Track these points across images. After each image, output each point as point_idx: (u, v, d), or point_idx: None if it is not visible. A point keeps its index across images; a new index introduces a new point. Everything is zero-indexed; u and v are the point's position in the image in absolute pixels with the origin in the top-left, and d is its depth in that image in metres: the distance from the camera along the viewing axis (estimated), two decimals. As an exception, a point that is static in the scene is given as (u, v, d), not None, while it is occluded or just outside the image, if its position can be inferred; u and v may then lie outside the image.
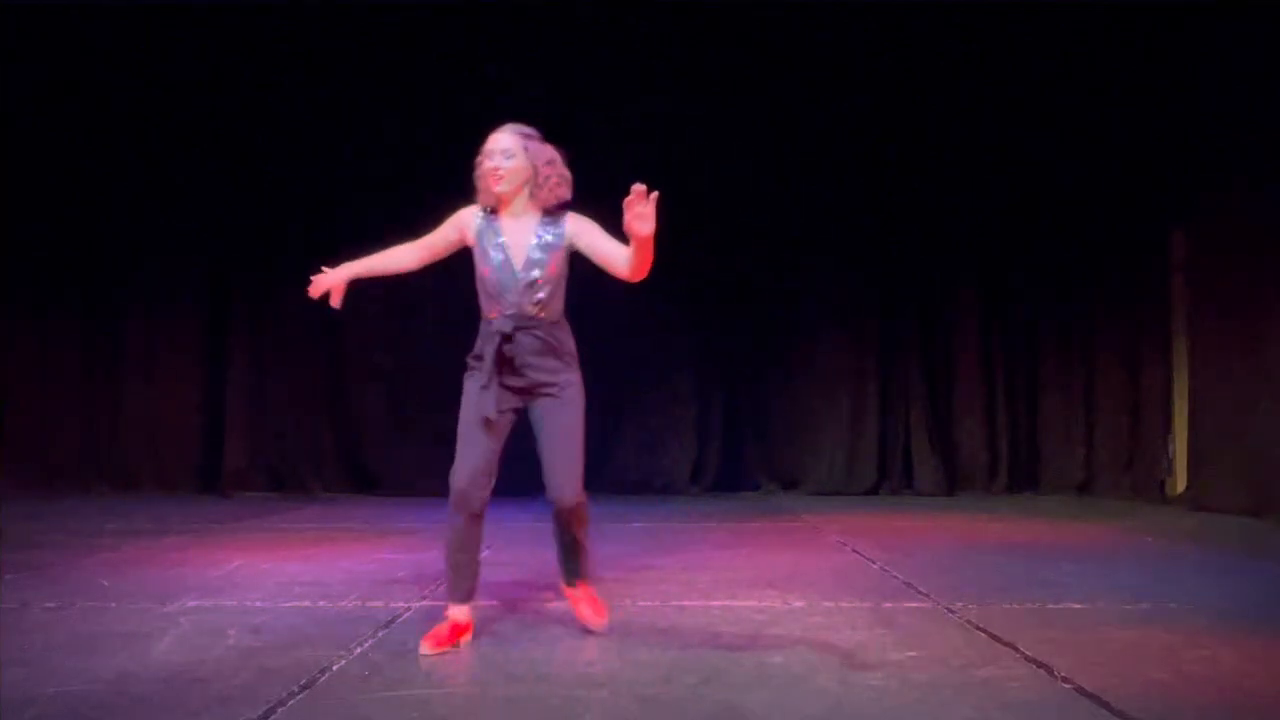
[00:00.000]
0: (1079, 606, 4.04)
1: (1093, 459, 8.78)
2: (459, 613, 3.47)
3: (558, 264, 3.46)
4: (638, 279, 3.34)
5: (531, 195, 3.46)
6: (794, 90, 8.64)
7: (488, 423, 3.40)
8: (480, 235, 3.48)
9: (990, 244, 9.02)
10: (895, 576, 4.73)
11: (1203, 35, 7.35)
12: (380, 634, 3.59)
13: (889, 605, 4.07)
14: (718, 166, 8.78)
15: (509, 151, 3.42)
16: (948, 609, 3.99)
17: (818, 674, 3.08)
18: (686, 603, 4.16)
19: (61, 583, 4.54)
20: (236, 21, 7.97)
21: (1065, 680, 2.99)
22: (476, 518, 3.43)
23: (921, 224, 8.98)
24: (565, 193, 3.50)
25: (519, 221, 3.48)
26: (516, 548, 5.45)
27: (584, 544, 3.67)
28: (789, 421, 9.09)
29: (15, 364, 8.70)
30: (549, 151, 3.49)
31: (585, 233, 3.45)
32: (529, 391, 3.47)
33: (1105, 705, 2.76)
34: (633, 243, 3.19)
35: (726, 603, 4.15)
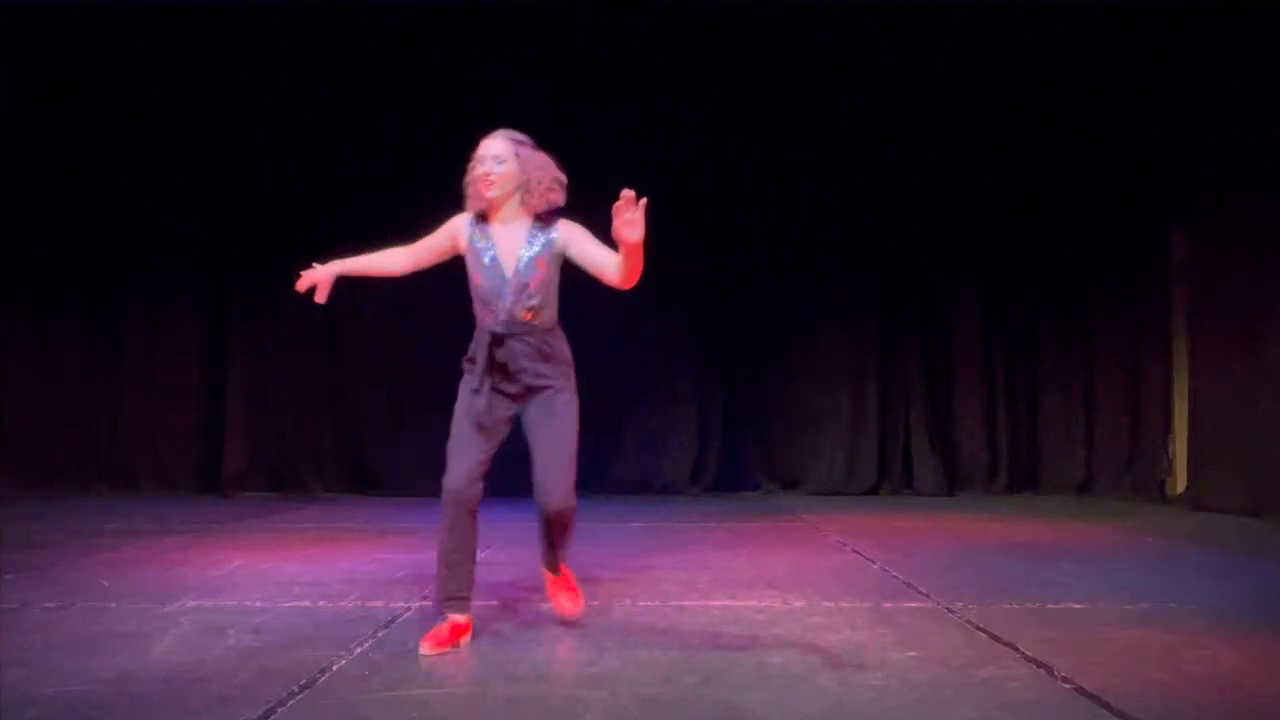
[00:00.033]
0: (1079, 606, 4.04)
1: (1093, 459, 8.78)
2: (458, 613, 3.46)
3: (549, 271, 3.44)
4: (628, 287, 3.32)
5: (523, 201, 3.44)
6: (794, 90, 8.64)
7: (481, 426, 3.40)
8: (472, 242, 3.47)
9: (990, 244, 9.02)
10: (895, 576, 4.73)
11: (1203, 35, 7.35)
12: (380, 634, 3.59)
13: (889, 605, 4.07)
14: (718, 166, 8.78)
15: (500, 157, 3.40)
16: (948, 609, 3.99)
17: (818, 674, 3.07)
18: (686, 603, 4.16)
19: (61, 583, 4.54)
20: (236, 22, 7.97)
21: (1065, 680, 2.99)
22: (472, 515, 3.42)
23: (921, 224, 8.98)
24: (557, 198, 3.47)
25: (510, 228, 3.46)
26: (516, 548, 5.43)
27: (563, 548, 3.66)
28: (789, 421, 9.08)
29: (15, 364, 8.70)
30: (541, 157, 3.46)
31: (576, 240, 3.44)
32: (523, 396, 3.47)
33: (1105, 705, 2.76)
34: (622, 250, 3.17)
35: (726, 603, 4.15)
